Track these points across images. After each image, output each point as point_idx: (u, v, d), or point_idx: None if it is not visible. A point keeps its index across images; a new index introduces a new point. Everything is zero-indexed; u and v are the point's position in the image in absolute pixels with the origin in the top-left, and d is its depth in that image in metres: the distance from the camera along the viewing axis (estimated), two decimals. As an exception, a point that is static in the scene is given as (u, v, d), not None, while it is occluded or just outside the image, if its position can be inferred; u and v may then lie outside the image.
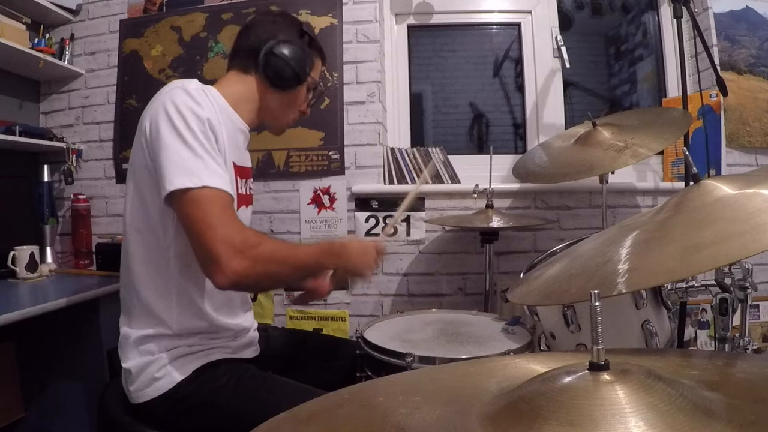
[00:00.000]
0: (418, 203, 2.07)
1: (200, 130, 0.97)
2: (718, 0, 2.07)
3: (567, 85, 2.26)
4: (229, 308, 1.15)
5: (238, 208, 1.13)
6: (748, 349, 0.86)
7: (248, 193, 1.23)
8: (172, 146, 0.95)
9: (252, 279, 0.96)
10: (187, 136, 0.96)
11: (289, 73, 1.13)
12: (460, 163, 2.14)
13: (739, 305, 0.86)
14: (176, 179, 0.93)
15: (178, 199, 0.94)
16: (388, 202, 2.07)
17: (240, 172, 1.15)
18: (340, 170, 2.09)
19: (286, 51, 1.12)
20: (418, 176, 2.09)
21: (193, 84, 1.04)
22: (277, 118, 1.21)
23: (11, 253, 1.72)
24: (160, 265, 1.04)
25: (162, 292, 1.04)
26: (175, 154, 0.94)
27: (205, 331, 1.08)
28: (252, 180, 1.27)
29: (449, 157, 2.12)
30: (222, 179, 0.96)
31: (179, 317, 1.05)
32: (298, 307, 2.10)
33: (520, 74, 2.29)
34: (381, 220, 2.08)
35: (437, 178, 2.09)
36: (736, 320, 0.87)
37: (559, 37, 2.07)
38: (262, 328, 1.31)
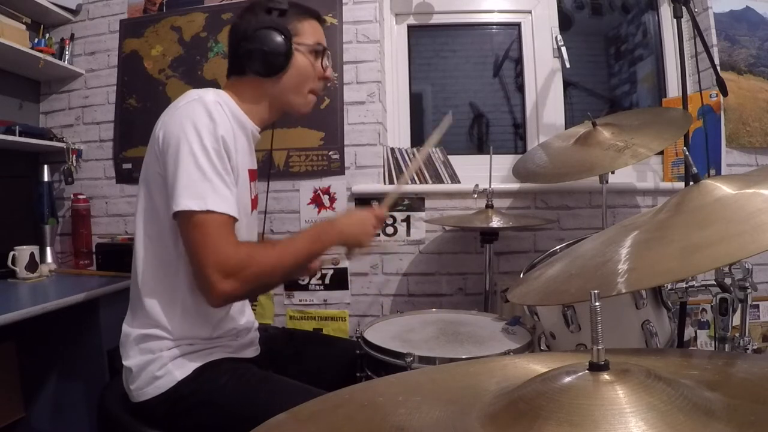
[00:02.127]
0: (418, 203, 2.07)
1: (214, 149, 0.98)
2: (718, 0, 2.07)
3: (567, 85, 2.26)
4: (232, 315, 1.16)
5: (251, 212, 1.14)
6: (748, 349, 0.86)
7: (255, 194, 1.23)
8: (183, 165, 0.96)
9: (242, 296, 1.02)
10: (200, 157, 0.96)
11: (270, 55, 1.09)
12: (460, 163, 2.14)
13: (739, 305, 0.86)
14: (182, 200, 0.94)
15: (182, 219, 0.96)
16: (388, 202, 2.07)
17: (252, 176, 1.16)
18: (340, 170, 2.09)
19: (256, 38, 1.09)
20: (418, 176, 2.09)
21: (210, 96, 1.03)
22: (293, 100, 1.17)
23: (11, 253, 1.72)
24: (168, 273, 1.05)
25: (167, 300, 1.05)
26: (185, 174, 0.95)
27: (206, 336, 1.09)
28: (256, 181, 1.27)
29: (449, 157, 2.12)
30: (227, 202, 0.97)
31: (182, 324, 1.05)
32: (298, 307, 2.10)
33: (520, 74, 2.29)
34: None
35: (436, 178, 2.09)
36: (736, 320, 0.87)
37: (559, 37, 2.07)
38: (262, 328, 1.31)
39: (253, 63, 1.10)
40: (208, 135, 0.98)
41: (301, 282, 2.08)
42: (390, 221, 2.08)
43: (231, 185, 1.01)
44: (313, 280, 2.08)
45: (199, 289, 0.98)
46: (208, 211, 0.94)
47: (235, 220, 0.99)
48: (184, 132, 0.97)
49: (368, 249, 1.16)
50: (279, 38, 1.09)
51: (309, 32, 1.15)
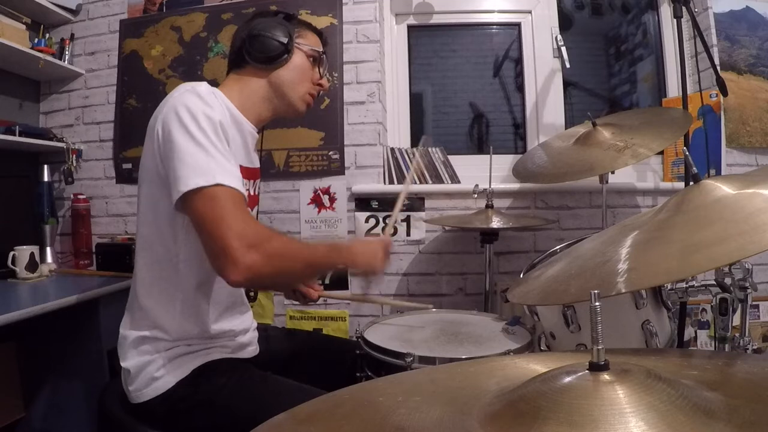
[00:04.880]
0: (418, 203, 2.07)
1: (212, 130, 0.97)
2: (718, 0, 2.07)
3: (567, 85, 2.26)
4: (231, 313, 1.15)
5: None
6: (748, 349, 0.86)
7: (255, 193, 1.23)
8: (184, 148, 0.94)
9: (265, 274, 0.93)
10: (199, 137, 0.95)
11: (272, 43, 1.12)
12: (460, 163, 2.14)
13: (739, 305, 0.86)
14: (190, 180, 0.92)
15: (191, 198, 0.93)
16: (388, 202, 2.07)
17: (247, 173, 1.15)
18: (340, 170, 2.09)
19: (261, 29, 1.12)
20: (418, 176, 2.09)
21: (203, 87, 1.04)
22: (288, 95, 1.17)
23: (11, 253, 1.72)
24: (167, 272, 1.05)
25: (165, 301, 1.05)
26: (187, 156, 0.94)
27: (204, 336, 1.09)
28: (259, 181, 1.26)
29: (449, 157, 2.12)
30: (235, 177, 0.96)
31: (180, 325, 1.05)
32: (298, 307, 2.10)
33: (520, 74, 2.29)
34: (381, 220, 2.08)
35: (436, 178, 2.09)
36: (736, 320, 0.87)
37: (559, 37, 2.07)
38: (262, 328, 1.31)
39: (254, 51, 1.12)
40: (203, 117, 0.97)
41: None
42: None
43: (234, 164, 0.99)
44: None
45: (218, 265, 0.92)
46: (218, 185, 0.92)
47: (244, 197, 0.97)
48: (179, 118, 0.96)
49: (381, 276, 1.17)
50: (282, 32, 1.13)
51: (311, 39, 1.19)
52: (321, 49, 1.21)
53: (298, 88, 1.17)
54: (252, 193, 1.20)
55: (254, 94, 1.15)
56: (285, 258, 0.97)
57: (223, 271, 0.91)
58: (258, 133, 1.21)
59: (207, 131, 0.96)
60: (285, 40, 1.13)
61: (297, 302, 1.40)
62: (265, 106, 1.17)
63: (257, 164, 1.24)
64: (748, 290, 0.85)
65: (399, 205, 1.31)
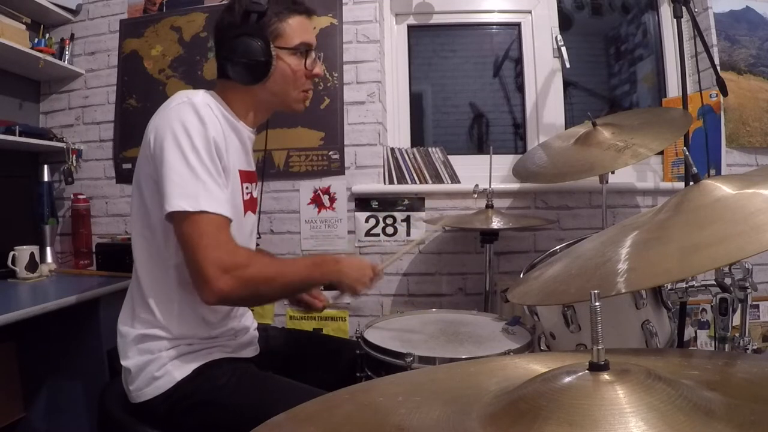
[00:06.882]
0: (418, 203, 2.07)
1: (205, 150, 0.98)
2: (718, 0, 2.07)
3: (567, 85, 2.26)
4: (229, 315, 1.15)
5: (244, 214, 1.14)
6: (748, 349, 0.86)
7: (254, 196, 1.22)
8: (175, 166, 0.96)
9: (237, 298, 0.99)
10: (191, 158, 0.96)
11: (250, 66, 1.07)
12: (460, 163, 2.14)
13: (739, 305, 0.86)
14: (175, 201, 0.94)
15: (176, 219, 0.96)
16: (388, 202, 2.07)
17: (247, 177, 1.16)
18: (340, 170, 2.09)
19: (235, 47, 1.06)
20: (418, 176, 2.09)
21: (199, 98, 1.03)
22: (282, 101, 1.16)
23: (11, 253, 1.72)
24: (162, 273, 1.06)
25: (164, 300, 1.05)
26: (177, 175, 0.96)
27: (205, 335, 1.09)
28: (257, 183, 1.25)
29: (449, 157, 2.12)
30: (220, 203, 0.98)
31: (180, 324, 1.05)
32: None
33: (520, 74, 2.29)
34: (381, 220, 2.08)
35: (436, 178, 2.09)
36: (736, 320, 0.87)
37: (559, 37, 2.07)
38: (262, 328, 1.31)
39: (235, 73, 1.09)
40: (198, 136, 0.98)
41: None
42: (390, 221, 2.08)
43: (223, 186, 1.01)
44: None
45: (195, 286, 0.97)
46: (202, 212, 0.95)
47: (229, 221, 0.99)
48: (174, 134, 0.97)
49: (359, 295, 1.17)
50: (258, 47, 1.06)
51: (290, 33, 1.11)
52: (306, 41, 1.13)
53: (290, 92, 1.15)
54: (252, 196, 1.20)
55: (246, 104, 1.15)
56: (260, 283, 1.00)
57: (198, 291, 0.97)
58: (254, 134, 1.20)
59: (200, 151, 0.97)
60: (262, 57, 1.07)
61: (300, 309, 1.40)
62: (259, 112, 1.18)
63: (254, 167, 1.24)
64: (748, 290, 0.85)
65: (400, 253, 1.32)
